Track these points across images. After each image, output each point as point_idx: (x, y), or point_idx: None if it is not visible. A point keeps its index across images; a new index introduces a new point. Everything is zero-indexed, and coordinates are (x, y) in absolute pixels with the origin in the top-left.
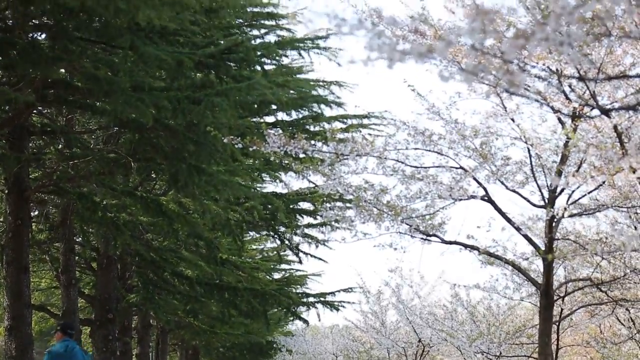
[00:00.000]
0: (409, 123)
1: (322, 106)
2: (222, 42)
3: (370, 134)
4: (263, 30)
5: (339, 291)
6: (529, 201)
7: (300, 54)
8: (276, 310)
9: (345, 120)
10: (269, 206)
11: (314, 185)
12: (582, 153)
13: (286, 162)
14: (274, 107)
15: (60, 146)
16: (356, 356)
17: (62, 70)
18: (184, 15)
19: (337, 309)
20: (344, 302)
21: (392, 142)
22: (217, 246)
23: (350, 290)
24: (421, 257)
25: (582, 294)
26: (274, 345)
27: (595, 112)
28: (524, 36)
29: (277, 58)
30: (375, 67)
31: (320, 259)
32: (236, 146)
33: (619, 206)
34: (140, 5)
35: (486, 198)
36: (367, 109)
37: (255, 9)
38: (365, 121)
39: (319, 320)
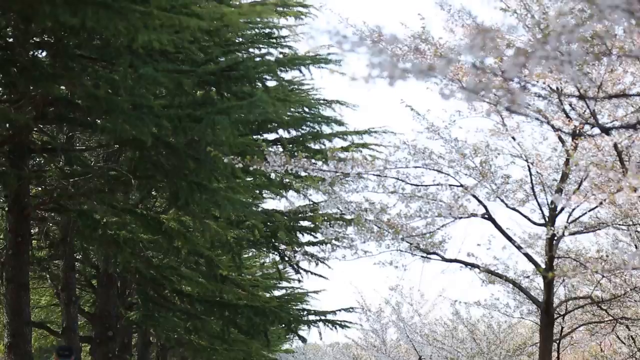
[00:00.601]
0: (408, 142)
1: (324, 126)
2: (222, 59)
3: (370, 156)
4: (264, 50)
5: (340, 310)
6: (529, 219)
7: (301, 71)
8: (275, 327)
9: (345, 137)
10: (269, 224)
11: (312, 203)
12: (583, 171)
13: (287, 180)
14: (275, 124)
15: (60, 164)
16: None
17: (63, 88)
18: (184, 35)
19: (342, 327)
20: (346, 321)
21: (392, 161)
22: (218, 264)
23: (351, 310)
24: (421, 275)
25: (583, 312)
26: None
27: (596, 130)
28: (524, 55)
29: (278, 75)
30: (377, 84)
31: (320, 276)
32: (237, 165)
33: (619, 224)
34: (140, 28)
35: (486, 216)
36: (368, 125)
37: (256, 28)
38: (366, 137)
39: (321, 339)
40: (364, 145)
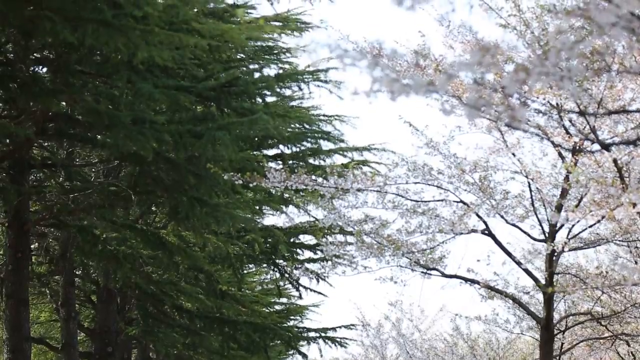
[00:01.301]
0: (407, 159)
1: (324, 142)
2: (222, 74)
3: (370, 172)
4: (263, 63)
5: (340, 327)
6: (529, 235)
7: (300, 87)
8: (277, 343)
9: (345, 153)
10: (269, 239)
11: (314, 219)
12: (583, 187)
13: (287, 195)
14: (275, 140)
15: (60, 179)
16: None
17: (63, 104)
18: (184, 52)
19: (342, 345)
20: (346, 338)
21: (392, 177)
22: (217, 279)
23: (352, 327)
24: (421, 291)
25: (583, 328)
26: None
27: (596, 146)
28: (525, 71)
29: (277, 90)
30: (378, 99)
31: (320, 293)
32: (237, 181)
33: (619, 240)
34: (140, 45)
35: (487, 232)
36: (368, 141)
37: (257, 45)
38: (366, 154)
39: (321, 356)
40: (364, 163)
